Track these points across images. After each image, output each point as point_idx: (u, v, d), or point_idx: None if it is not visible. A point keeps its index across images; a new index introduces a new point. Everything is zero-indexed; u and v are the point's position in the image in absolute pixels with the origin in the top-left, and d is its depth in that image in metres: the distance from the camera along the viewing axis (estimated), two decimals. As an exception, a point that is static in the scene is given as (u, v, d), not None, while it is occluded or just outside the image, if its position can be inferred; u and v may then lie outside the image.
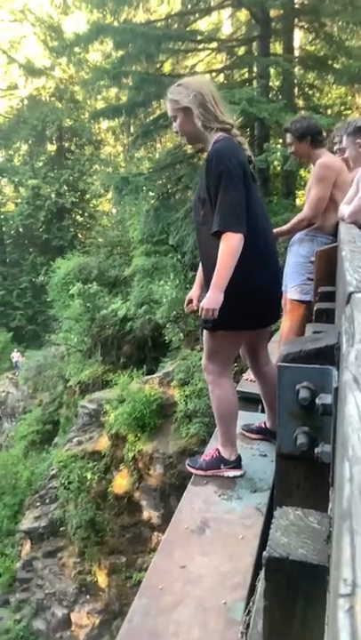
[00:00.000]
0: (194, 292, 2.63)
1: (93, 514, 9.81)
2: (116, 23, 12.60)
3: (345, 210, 2.83)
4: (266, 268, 2.33)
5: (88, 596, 10.11)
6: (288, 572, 0.68)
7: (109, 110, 12.95)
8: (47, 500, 11.09)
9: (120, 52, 12.22)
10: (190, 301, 2.64)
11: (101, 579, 9.96)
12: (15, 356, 21.62)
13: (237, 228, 2.12)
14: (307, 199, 3.56)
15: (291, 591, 0.69)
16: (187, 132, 2.35)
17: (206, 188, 2.22)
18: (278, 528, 0.75)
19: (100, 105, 19.21)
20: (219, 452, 2.46)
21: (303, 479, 1.14)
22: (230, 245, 2.12)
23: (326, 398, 0.97)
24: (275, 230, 3.32)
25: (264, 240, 2.34)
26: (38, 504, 11.27)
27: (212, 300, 2.14)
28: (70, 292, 13.49)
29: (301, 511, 0.78)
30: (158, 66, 12.93)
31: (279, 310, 2.55)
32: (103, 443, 10.24)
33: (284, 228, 3.63)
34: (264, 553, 0.71)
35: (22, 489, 12.82)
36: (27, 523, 11.24)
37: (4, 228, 28.79)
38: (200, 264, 2.51)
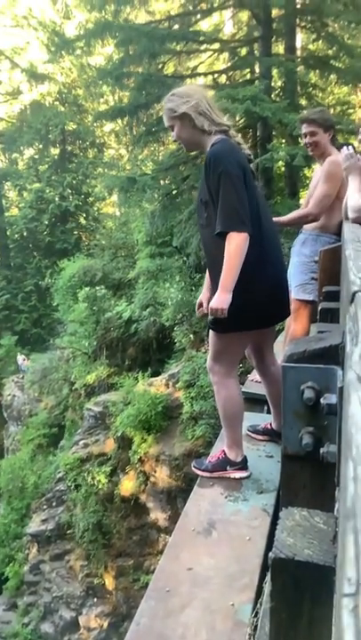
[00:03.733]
0: (203, 296, 2.61)
1: (100, 516, 9.80)
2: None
3: (353, 201, 2.44)
4: (271, 268, 2.33)
5: (96, 599, 10.10)
6: (294, 573, 0.68)
7: (112, 112, 12.94)
8: (54, 504, 11.09)
9: (121, 53, 12.22)
10: (201, 305, 2.63)
11: (109, 581, 9.95)
12: (20, 359, 21.67)
13: (241, 228, 2.12)
14: (311, 196, 3.54)
15: (297, 592, 0.69)
16: (185, 139, 2.37)
17: (208, 191, 2.23)
18: (284, 529, 0.74)
19: (103, 108, 19.24)
20: (225, 454, 2.46)
21: (309, 479, 1.14)
22: (235, 245, 2.12)
23: (331, 398, 0.96)
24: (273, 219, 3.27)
25: (269, 239, 2.33)
26: (45, 507, 11.27)
27: (220, 300, 2.15)
28: (78, 295, 13.50)
29: (307, 512, 0.78)
30: (160, 67, 12.93)
31: (286, 309, 2.53)
32: (109, 445, 10.23)
33: (284, 218, 3.63)
34: (270, 554, 0.71)
35: (29, 492, 12.82)
36: (34, 526, 11.25)
37: (8, 232, 28.86)
38: (207, 266, 2.51)
